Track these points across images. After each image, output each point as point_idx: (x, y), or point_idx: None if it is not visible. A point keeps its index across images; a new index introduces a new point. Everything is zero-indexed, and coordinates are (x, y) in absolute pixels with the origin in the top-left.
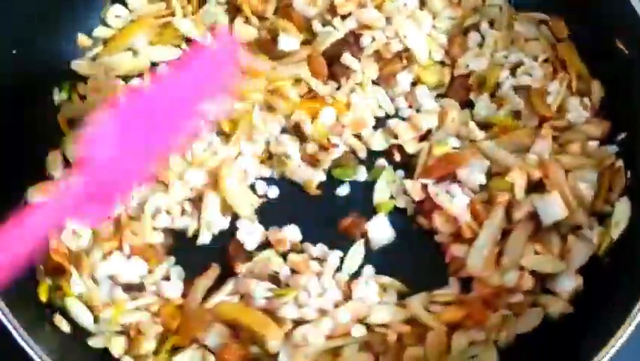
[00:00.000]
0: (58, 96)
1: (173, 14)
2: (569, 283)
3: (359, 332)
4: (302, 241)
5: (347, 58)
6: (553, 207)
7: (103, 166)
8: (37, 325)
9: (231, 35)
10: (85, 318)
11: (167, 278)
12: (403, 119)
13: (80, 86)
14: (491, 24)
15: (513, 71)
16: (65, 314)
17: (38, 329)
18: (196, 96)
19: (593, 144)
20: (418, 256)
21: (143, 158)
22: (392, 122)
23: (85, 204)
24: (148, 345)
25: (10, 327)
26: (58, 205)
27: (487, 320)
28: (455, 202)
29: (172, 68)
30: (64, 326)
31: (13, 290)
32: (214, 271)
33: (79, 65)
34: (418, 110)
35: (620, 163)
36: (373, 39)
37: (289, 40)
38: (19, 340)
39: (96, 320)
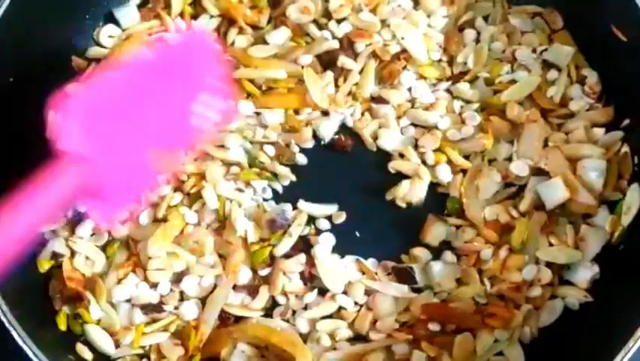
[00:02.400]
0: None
1: (166, 30)
2: (586, 273)
3: (377, 336)
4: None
5: (343, 59)
6: (555, 191)
7: (93, 160)
8: (61, 356)
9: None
10: (106, 344)
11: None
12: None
13: None
14: (486, 19)
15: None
16: (86, 342)
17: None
18: (181, 90)
19: (599, 131)
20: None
21: (138, 154)
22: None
23: (86, 198)
24: None
25: None
26: (49, 194)
27: (513, 319)
28: None
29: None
30: (87, 354)
31: (34, 324)
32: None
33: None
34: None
35: (626, 148)
36: (369, 44)
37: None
38: None
39: (117, 345)
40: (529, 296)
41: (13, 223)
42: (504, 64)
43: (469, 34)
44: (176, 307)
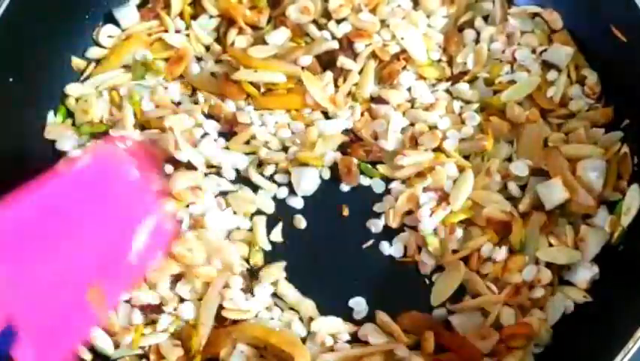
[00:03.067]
0: (53, 120)
1: (165, 30)
2: (586, 273)
3: (377, 339)
4: None
5: (342, 60)
6: (555, 191)
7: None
8: None
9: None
10: (105, 344)
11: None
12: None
13: (70, 106)
14: (485, 20)
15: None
16: (85, 343)
17: None
18: (110, 217)
19: (599, 131)
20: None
21: (71, 292)
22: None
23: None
24: None
25: None
26: None
27: (532, 328)
28: None
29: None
30: (86, 355)
31: None
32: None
33: (72, 89)
34: (413, 105)
35: (625, 149)
36: (368, 44)
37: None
38: None
39: (116, 345)
40: (533, 298)
41: None
42: (504, 64)
43: (469, 34)
44: (175, 308)
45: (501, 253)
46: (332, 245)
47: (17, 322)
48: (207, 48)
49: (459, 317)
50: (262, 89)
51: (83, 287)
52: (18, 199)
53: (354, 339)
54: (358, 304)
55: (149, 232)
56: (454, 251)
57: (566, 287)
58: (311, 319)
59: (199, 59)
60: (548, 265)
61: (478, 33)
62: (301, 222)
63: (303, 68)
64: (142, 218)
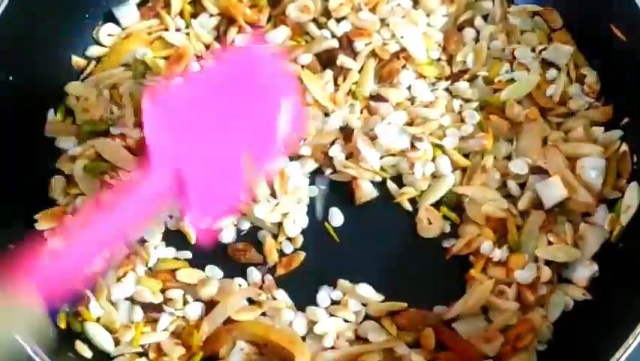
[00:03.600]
0: (53, 118)
1: (166, 29)
2: (585, 271)
3: (378, 337)
4: None
5: (342, 58)
6: (554, 189)
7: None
8: (61, 354)
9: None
10: (105, 342)
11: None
12: None
13: (71, 104)
14: (485, 19)
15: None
16: (86, 340)
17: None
18: (258, 98)
19: (598, 129)
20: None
21: (227, 160)
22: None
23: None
24: None
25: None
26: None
27: (536, 326)
28: None
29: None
30: (87, 352)
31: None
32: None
33: (73, 87)
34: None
35: (625, 147)
36: (368, 43)
37: None
38: None
39: (117, 342)
40: (535, 296)
41: (108, 227)
42: (503, 63)
43: (469, 33)
44: (178, 309)
45: (501, 252)
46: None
47: (186, 176)
48: (207, 47)
49: (462, 322)
50: None
51: (239, 153)
52: (193, 75)
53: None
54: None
55: (288, 112)
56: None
57: (566, 285)
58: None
59: (199, 58)
60: (548, 263)
61: (478, 32)
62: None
63: (302, 66)
64: (283, 99)
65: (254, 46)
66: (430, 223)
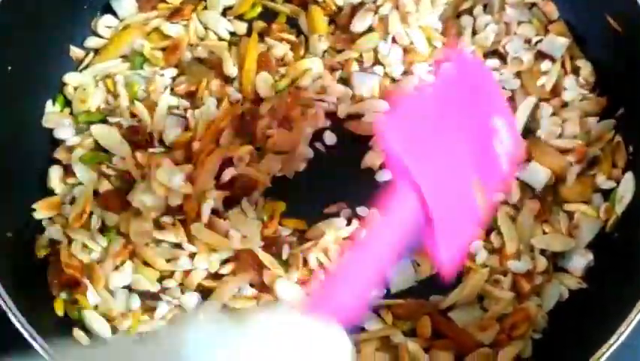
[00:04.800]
0: (51, 108)
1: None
2: (581, 260)
3: (374, 325)
4: None
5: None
6: (537, 173)
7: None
8: (59, 341)
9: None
10: (103, 330)
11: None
12: None
13: (68, 95)
14: (485, 8)
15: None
16: (84, 328)
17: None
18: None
19: (593, 120)
20: None
21: (462, 184)
22: None
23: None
24: None
25: (36, 345)
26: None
27: (531, 314)
28: None
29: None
30: (84, 340)
31: (33, 310)
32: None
33: (71, 78)
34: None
35: (618, 138)
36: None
37: None
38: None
39: (114, 330)
40: (531, 286)
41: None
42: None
43: (466, 21)
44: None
45: (494, 243)
46: None
47: (430, 207)
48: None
49: (458, 311)
50: None
51: (468, 177)
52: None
53: None
54: None
55: (506, 133)
56: None
57: (562, 274)
58: None
59: (190, 45)
60: (542, 252)
61: (475, 21)
62: None
63: None
64: (499, 117)
65: (464, 51)
66: None
